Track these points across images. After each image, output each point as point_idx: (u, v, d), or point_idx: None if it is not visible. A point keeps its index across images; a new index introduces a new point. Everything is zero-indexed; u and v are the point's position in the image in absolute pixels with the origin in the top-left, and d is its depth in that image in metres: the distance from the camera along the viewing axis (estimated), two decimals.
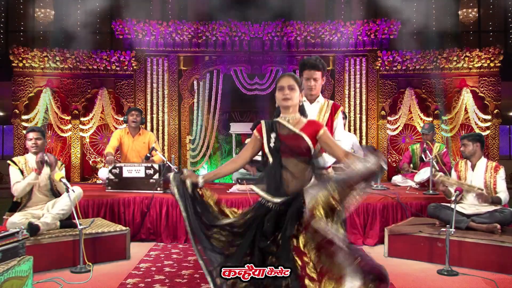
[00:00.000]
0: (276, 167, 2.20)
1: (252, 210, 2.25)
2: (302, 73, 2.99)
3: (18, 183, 3.67)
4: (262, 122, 2.36)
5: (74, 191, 3.62)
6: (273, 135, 2.26)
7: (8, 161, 3.79)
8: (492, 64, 7.76)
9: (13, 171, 3.72)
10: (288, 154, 2.21)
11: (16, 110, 7.78)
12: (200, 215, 2.28)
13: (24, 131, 7.62)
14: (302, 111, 2.38)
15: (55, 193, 3.90)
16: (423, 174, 5.37)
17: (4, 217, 3.74)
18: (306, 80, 2.94)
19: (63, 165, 4.05)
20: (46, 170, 3.81)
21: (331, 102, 3.07)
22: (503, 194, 3.89)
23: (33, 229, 3.40)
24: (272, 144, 2.24)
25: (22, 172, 3.75)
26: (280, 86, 2.32)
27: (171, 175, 2.34)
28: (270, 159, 2.24)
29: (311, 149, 2.22)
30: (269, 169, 2.24)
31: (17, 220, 3.52)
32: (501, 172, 3.94)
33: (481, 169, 4.00)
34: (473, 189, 3.87)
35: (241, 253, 2.16)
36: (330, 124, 2.97)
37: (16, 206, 3.73)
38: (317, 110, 2.98)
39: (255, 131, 2.37)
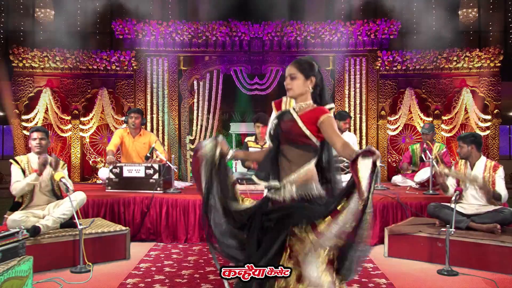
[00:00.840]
0: (274, 153, 2.15)
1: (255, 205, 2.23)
2: None
3: (17, 182, 3.67)
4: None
5: (74, 191, 3.63)
6: (275, 122, 2.19)
7: (11, 160, 3.81)
8: (492, 64, 7.76)
9: (15, 170, 3.73)
10: (284, 140, 2.13)
11: (16, 110, 7.78)
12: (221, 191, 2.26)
13: (24, 131, 7.64)
14: (321, 97, 2.21)
15: (56, 194, 3.90)
16: (423, 174, 5.37)
17: (5, 216, 3.75)
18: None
19: (65, 164, 4.05)
20: (48, 170, 3.81)
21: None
22: (502, 192, 3.88)
23: (34, 231, 3.42)
24: (271, 131, 2.19)
25: (24, 171, 3.75)
26: (285, 76, 2.24)
27: (206, 141, 2.30)
28: (271, 145, 2.19)
29: (309, 136, 2.08)
30: (267, 155, 2.20)
31: (17, 217, 3.52)
32: (500, 171, 3.92)
33: (480, 168, 3.99)
34: (477, 180, 3.83)
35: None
36: None
37: (17, 206, 3.73)
38: None
39: None
